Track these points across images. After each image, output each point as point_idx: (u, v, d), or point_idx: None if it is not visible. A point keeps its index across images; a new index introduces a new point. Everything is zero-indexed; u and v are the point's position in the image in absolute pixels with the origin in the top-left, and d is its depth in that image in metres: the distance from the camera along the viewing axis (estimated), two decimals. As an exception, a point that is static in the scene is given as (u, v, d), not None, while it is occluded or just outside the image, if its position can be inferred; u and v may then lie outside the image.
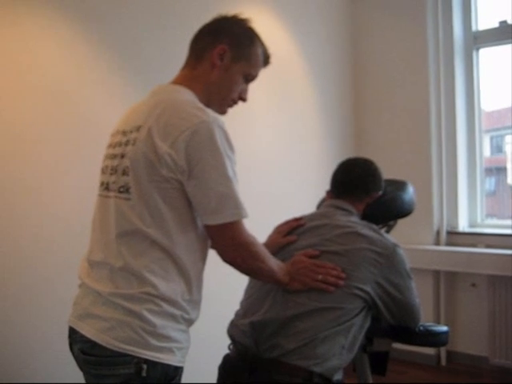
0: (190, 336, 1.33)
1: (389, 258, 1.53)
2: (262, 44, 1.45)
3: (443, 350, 3.48)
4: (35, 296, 1.98)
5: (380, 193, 1.75)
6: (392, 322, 1.60)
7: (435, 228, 3.57)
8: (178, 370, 1.26)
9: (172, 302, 1.24)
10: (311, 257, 1.51)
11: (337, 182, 1.76)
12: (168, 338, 1.23)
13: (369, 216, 1.69)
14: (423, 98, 3.57)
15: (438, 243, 3.54)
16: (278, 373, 1.41)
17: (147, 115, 1.27)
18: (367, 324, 1.55)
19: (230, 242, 1.27)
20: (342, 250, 1.52)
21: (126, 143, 1.29)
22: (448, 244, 3.51)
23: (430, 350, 3.48)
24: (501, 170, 3.87)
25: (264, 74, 3.03)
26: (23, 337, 1.93)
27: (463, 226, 3.60)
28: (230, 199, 1.23)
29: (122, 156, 1.29)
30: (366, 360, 1.84)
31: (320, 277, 1.46)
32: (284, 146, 3.22)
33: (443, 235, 3.54)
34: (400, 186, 1.84)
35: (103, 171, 1.38)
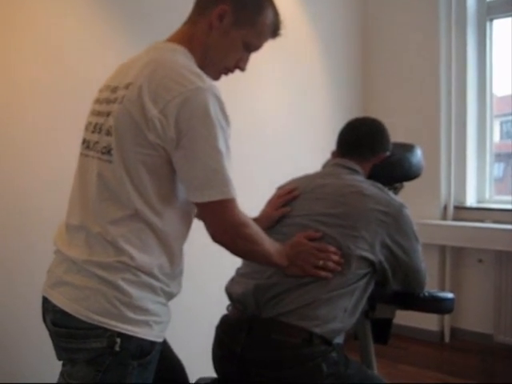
0: (170, 311, 1.26)
1: (395, 217, 1.46)
2: (275, 14, 1.32)
3: (447, 327, 3.44)
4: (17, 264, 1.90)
5: (387, 153, 1.68)
6: (396, 286, 1.55)
7: (442, 203, 3.49)
8: (154, 345, 1.19)
9: (151, 274, 1.17)
10: (313, 239, 1.44)
11: (343, 140, 1.69)
12: (145, 311, 1.16)
13: (375, 177, 1.63)
14: (433, 68, 3.47)
15: (444, 218, 3.47)
16: (277, 332, 1.36)
17: (138, 72, 1.18)
18: (370, 288, 1.49)
19: (220, 222, 1.19)
20: (346, 211, 1.46)
21: (114, 101, 1.21)
22: (455, 219, 3.44)
23: (433, 326, 3.45)
24: (510, 156, 3.77)
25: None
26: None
27: (471, 201, 3.53)
28: (217, 175, 1.14)
29: (108, 114, 1.21)
30: (369, 327, 1.78)
31: (321, 262, 1.39)
32: (290, 111, 3.14)
33: (450, 210, 3.46)
34: (408, 148, 1.77)
35: (86, 128, 1.30)
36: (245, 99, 2.81)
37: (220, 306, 1.56)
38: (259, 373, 1.37)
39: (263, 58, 2.92)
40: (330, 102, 3.49)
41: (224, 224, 1.19)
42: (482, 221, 3.33)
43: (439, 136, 3.46)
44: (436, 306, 1.67)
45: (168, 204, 1.20)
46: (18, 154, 1.73)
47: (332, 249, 1.41)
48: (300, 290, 1.38)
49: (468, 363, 3.11)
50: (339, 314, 1.38)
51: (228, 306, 1.54)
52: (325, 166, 1.71)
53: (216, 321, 1.54)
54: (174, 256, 1.23)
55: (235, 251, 1.27)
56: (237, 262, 1.55)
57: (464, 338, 3.43)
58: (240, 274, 1.55)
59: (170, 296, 1.25)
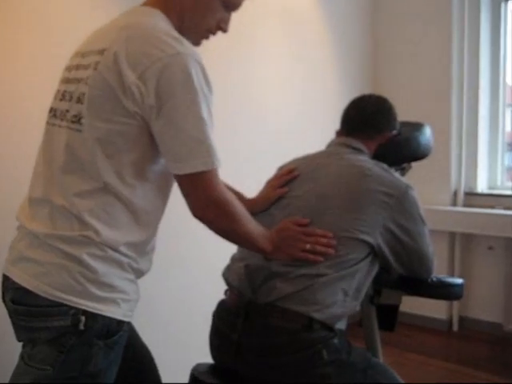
0: (139, 288, 1.20)
1: (400, 199, 1.38)
2: None
3: (455, 315, 3.39)
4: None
5: (394, 132, 1.60)
6: (402, 272, 1.47)
7: (452, 188, 3.42)
8: (122, 325, 1.13)
9: (118, 250, 1.11)
10: (301, 225, 1.36)
11: (348, 118, 1.61)
12: (112, 288, 1.10)
13: (381, 157, 1.54)
14: (445, 52, 3.37)
15: (454, 204, 3.41)
16: (275, 318, 1.29)
17: (113, 38, 1.11)
18: (374, 270, 1.42)
19: (201, 196, 1.12)
20: (347, 191, 1.38)
21: (86, 67, 1.14)
22: (465, 205, 3.38)
23: (441, 315, 3.40)
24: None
25: (277, 18, 2.87)
26: None
27: (482, 187, 3.45)
28: (201, 145, 1.08)
29: (79, 81, 1.14)
30: (374, 313, 1.71)
31: (308, 246, 1.31)
32: (298, 95, 3.08)
33: (461, 196, 3.39)
34: (416, 126, 1.69)
35: (55, 96, 1.23)
36: (250, 84, 2.74)
37: (218, 290, 1.49)
38: (257, 360, 1.31)
39: (270, 41, 2.89)
40: (338, 84, 3.41)
41: (205, 199, 1.13)
42: (492, 207, 3.25)
43: (450, 121, 3.38)
44: (444, 291, 1.60)
45: (142, 177, 1.13)
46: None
47: (320, 232, 1.33)
48: (294, 272, 1.31)
49: (477, 353, 3.06)
50: (340, 297, 1.31)
51: (225, 291, 1.47)
52: (329, 145, 1.64)
53: (214, 306, 1.48)
54: (146, 232, 1.16)
55: (216, 229, 1.20)
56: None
57: (473, 326, 3.37)
58: (234, 259, 1.49)
59: (138, 273, 1.18)
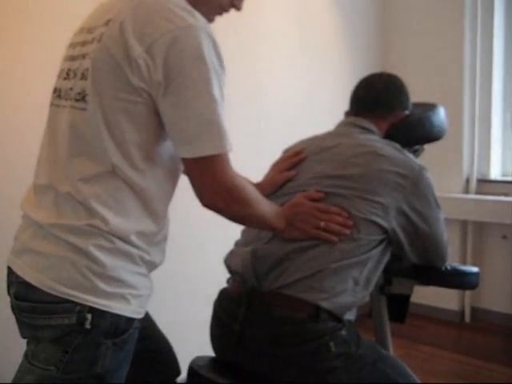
0: (151, 283, 1.12)
1: (414, 181, 1.30)
2: None
3: (468, 306, 3.32)
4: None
5: (406, 112, 1.52)
6: (414, 259, 1.40)
7: (465, 175, 3.33)
8: (131, 323, 1.05)
9: (128, 241, 1.03)
10: (315, 200, 1.29)
11: (357, 98, 1.53)
12: (121, 282, 1.03)
13: (392, 138, 1.46)
14: (458, 31, 3.25)
15: (467, 191, 3.32)
16: (279, 307, 1.22)
17: (120, 8, 1.03)
18: (386, 259, 1.34)
19: (211, 183, 1.04)
20: (358, 172, 1.30)
21: (91, 41, 1.06)
22: (478, 192, 3.28)
23: (453, 305, 3.33)
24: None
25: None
26: None
27: (495, 173, 3.35)
28: (212, 126, 1.00)
29: (84, 56, 1.06)
30: (384, 303, 1.64)
31: (322, 224, 1.24)
32: (305, 74, 3.00)
33: (473, 183, 3.29)
34: (430, 107, 1.60)
35: (58, 75, 1.15)
36: (255, 61, 2.66)
37: (220, 278, 1.42)
38: (259, 351, 1.24)
39: (276, 20, 2.81)
40: (348, 64, 3.32)
41: (215, 186, 1.05)
42: (506, 194, 3.16)
43: (462, 105, 3.28)
44: (459, 280, 1.52)
45: (151, 160, 1.05)
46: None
47: (335, 209, 1.26)
48: (302, 257, 1.24)
49: (489, 344, 2.99)
50: (349, 286, 1.24)
51: (228, 279, 1.40)
52: (337, 126, 1.56)
53: (215, 295, 1.41)
54: (156, 220, 1.09)
55: (228, 215, 1.13)
56: (240, 229, 1.42)
57: (485, 318, 3.29)
58: (239, 244, 1.41)
59: (151, 266, 1.11)
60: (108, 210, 1.01)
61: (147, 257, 1.07)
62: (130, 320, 1.05)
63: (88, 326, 0.99)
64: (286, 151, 1.54)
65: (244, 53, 2.58)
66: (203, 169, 1.03)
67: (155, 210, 1.07)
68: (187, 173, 1.08)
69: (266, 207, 1.20)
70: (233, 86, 2.43)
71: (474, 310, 3.33)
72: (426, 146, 1.66)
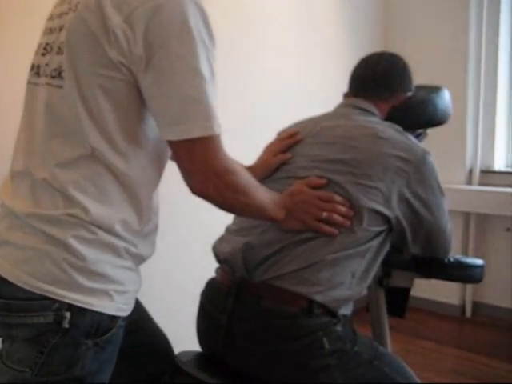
0: (139, 277, 1.04)
1: (417, 165, 1.22)
2: None
3: (469, 300, 3.27)
4: None
5: (408, 94, 1.43)
6: (415, 250, 1.31)
7: (468, 166, 3.26)
8: (115, 321, 0.97)
9: (111, 231, 0.94)
10: (316, 187, 1.20)
11: (357, 78, 1.44)
12: (103, 277, 0.94)
13: (393, 121, 1.37)
14: (463, 16, 3.15)
15: (470, 182, 3.25)
16: (269, 299, 1.14)
17: None
18: (385, 249, 1.26)
19: (200, 168, 0.95)
20: (357, 157, 1.21)
21: (68, 11, 0.96)
22: (481, 184, 3.21)
23: (454, 300, 3.29)
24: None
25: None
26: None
27: (499, 164, 3.28)
28: (198, 105, 0.91)
29: (61, 29, 0.97)
30: (382, 297, 1.56)
31: (324, 214, 1.15)
32: (299, 51, 2.91)
33: (476, 174, 3.22)
34: (434, 89, 1.51)
35: (36, 51, 1.06)
36: (254, 46, 2.58)
37: (209, 268, 1.33)
38: (248, 347, 1.16)
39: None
40: (346, 44, 3.22)
41: (206, 170, 0.95)
42: (511, 186, 3.08)
43: (466, 94, 3.19)
44: (463, 273, 1.43)
45: (135, 143, 0.96)
46: None
47: (338, 199, 1.17)
48: (299, 248, 1.16)
49: (491, 340, 2.93)
50: (346, 279, 1.16)
51: (217, 269, 1.31)
52: (335, 108, 1.47)
53: (203, 285, 1.32)
54: (142, 208, 1.00)
55: (221, 205, 1.03)
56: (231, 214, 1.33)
57: (487, 312, 3.24)
58: (230, 230, 1.32)
59: (139, 259, 1.02)
60: (88, 197, 0.93)
61: (133, 249, 0.99)
62: (114, 318, 0.97)
63: (66, 325, 0.91)
64: (280, 133, 1.45)
65: (240, 33, 2.50)
66: (191, 152, 0.94)
67: (139, 198, 0.99)
68: (175, 158, 0.98)
69: (264, 195, 1.11)
70: (229, 68, 2.41)
71: (475, 305, 3.27)
72: (429, 133, 1.57)
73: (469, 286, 3.22)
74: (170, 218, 2.12)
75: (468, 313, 3.26)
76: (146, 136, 0.98)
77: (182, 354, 1.28)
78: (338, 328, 1.15)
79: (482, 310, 3.25)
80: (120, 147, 0.94)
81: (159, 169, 1.05)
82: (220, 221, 1.36)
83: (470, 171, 3.26)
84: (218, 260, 1.29)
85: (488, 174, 3.22)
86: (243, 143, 1.97)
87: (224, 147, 0.97)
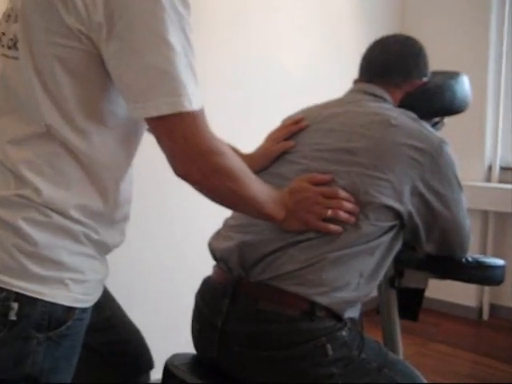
0: (104, 266, 0.96)
1: (433, 157, 1.11)
2: None
3: (486, 303, 3.19)
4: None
5: (424, 80, 1.32)
6: (430, 249, 1.21)
7: (487, 162, 3.18)
8: (72, 312, 0.89)
9: (66, 215, 0.87)
10: (320, 184, 1.10)
11: (369, 62, 1.34)
12: (58, 264, 0.87)
13: (408, 109, 1.26)
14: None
15: (489, 180, 3.17)
16: (268, 301, 1.04)
17: None
18: (397, 246, 1.16)
19: (182, 147, 0.86)
20: (366, 145, 1.12)
21: None
22: (501, 181, 3.13)
23: (470, 301, 3.21)
24: None
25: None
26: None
27: (520, 161, 3.20)
28: (166, 77, 0.82)
29: None
30: (394, 298, 1.46)
31: (329, 212, 1.05)
32: (313, 39, 2.84)
33: (496, 171, 3.14)
34: (452, 75, 1.41)
35: (0, 22, 0.99)
36: (255, 23, 2.51)
37: (206, 265, 1.25)
38: (243, 352, 1.06)
39: None
40: (359, 28, 3.11)
41: (188, 149, 0.87)
42: (532, 184, 3.01)
43: (486, 85, 3.09)
44: (483, 274, 1.32)
45: (99, 120, 0.88)
46: None
47: (343, 194, 1.07)
48: (298, 247, 1.06)
49: (509, 345, 2.85)
50: (353, 279, 1.06)
51: (213, 267, 1.22)
52: (345, 94, 1.36)
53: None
54: (106, 192, 0.92)
55: (206, 190, 0.94)
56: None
57: (505, 315, 3.15)
58: (228, 225, 1.22)
59: (102, 246, 0.94)
60: (42, 178, 0.86)
61: (94, 235, 0.91)
62: (70, 310, 0.89)
63: (13, 317, 0.83)
64: (285, 120, 1.35)
65: (246, 17, 2.45)
66: (169, 131, 0.85)
67: (104, 181, 0.91)
68: (154, 137, 0.89)
69: (259, 188, 1.00)
70: (231, 48, 2.34)
71: (492, 307, 3.19)
72: (446, 126, 1.46)
73: (486, 288, 3.14)
74: (166, 214, 2.07)
75: (485, 315, 3.19)
76: (113, 113, 0.90)
77: (175, 356, 1.19)
78: (344, 333, 1.05)
79: (500, 313, 3.17)
80: (79, 125, 0.87)
81: (129, 150, 0.96)
82: (217, 216, 1.28)
83: (489, 168, 3.18)
84: (215, 257, 1.19)
85: (508, 171, 3.14)
86: (251, 133, 1.89)
87: (208, 125, 0.88)
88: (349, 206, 1.06)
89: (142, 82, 0.81)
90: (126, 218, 0.99)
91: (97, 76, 0.86)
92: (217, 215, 1.25)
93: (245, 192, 0.96)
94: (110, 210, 0.93)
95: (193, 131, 0.85)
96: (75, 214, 0.88)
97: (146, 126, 0.93)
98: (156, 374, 1.38)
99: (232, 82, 2.40)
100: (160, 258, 2.14)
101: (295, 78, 2.73)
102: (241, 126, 2.29)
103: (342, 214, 1.05)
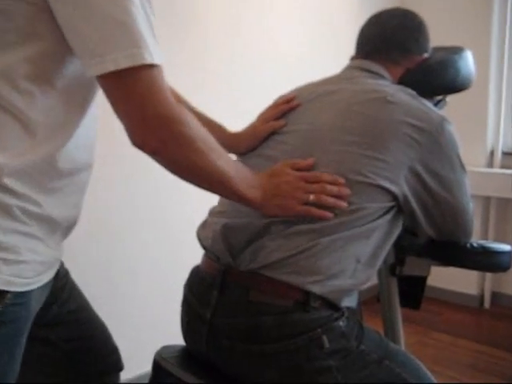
0: (51, 248, 0.88)
1: (433, 135, 1.05)
2: None
3: (488, 291, 3.15)
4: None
5: (425, 55, 1.25)
6: (431, 233, 1.15)
7: (489, 147, 3.12)
8: (3, 296, 0.81)
9: None
10: (302, 169, 1.03)
11: (365, 37, 1.27)
12: None
13: (407, 86, 1.19)
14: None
15: (491, 165, 3.12)
16: (258, 292, 0.98)
17: None
18: (397, 230, 1.10)
19: (138, 108, 0.79)
20: (361, 124, 1.05)
21: None
22: (503, 166, 3.09)
23: (471, 290, 3.18)
24: None
25: None
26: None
27: (523, 146, 3.15)
28: (124, 29, 0.75)
29: None
30: (395, 286, 1.40)
31: (312, 197, 0.98)
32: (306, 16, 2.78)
33: (498, 156, 3.09)
34: (455, 50, 1.33)
35: None
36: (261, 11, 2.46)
37: (196, 256, 1.18)
38: (233, 346, 1.00)
39: None
40: (357, 5, 3.05)
41: (144, 110, 0.79)
42: (534, 169, 2.97)
43: (489, 70, 3.03)
44: (488, 260, 1.26)
45: (43, 80, 0.81)
46: None
47: (328, 177, 1.00)
48: (288, 230, 1.00)
49: (510, 333, 2.83)
50: (349, 265, 1.00)
51: (203, 256, 1.15)
52: (341, 71, 1.29)
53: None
54: (50, 158, 0.83)
55: (167, 162, 0.87)
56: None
57: (507, 303, 3.12)
58: (213, 213, 1.16)
59: (46, 221, 0.85)
60: None
61: (34, 208, 0.82)
62: (1, 293, 0.80)
63: None
64: (277, 100, 1.28)
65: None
66: (123, 89, 0.78)
67: (47, 145, 0.82)
68: (108, 100, 0.81)
69: (228, 164, 0.92)
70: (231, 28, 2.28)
71: (494, 295, 3.16)
72: (446, 111, 1.38)
73: (488, 275, 3.10)
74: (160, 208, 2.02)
75: (487, 304, 3.16)
76: (61, 73, 0.82)
77: (164, 348, 1.14)
78: (341, 323, 0.99)
79: (502, 301, 3.14)
80: (19, 84, 0.79)
81: (79, 112, 0.88)
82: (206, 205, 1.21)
83: (492, 153, 3.13)
84: (203, 246, 1.13)
85: (510, 156, 3.09)
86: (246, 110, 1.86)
87: (169, 92, 0.80)
88: (334, 189, 0.98)
89: (99, 34, 0.75)
90: (78, 189, 0.91)
91: (45, 30, 0.78)
92: (206, 205, 1.19)
93: (209, 166, 0.88)
94: (55, 177, 0.84)
95: (151, 90, 0.78)
96: (7, 181, 0.79)
97: (99, 89, 0.85)
98: (146, 365, 1.33)
99: (228, 80, 2.36)
100: (149, 249, 2.09)
101: (293, 71, 2.67)
102: (237, 125, 2.25)
103: (326, 199, 0.98)
